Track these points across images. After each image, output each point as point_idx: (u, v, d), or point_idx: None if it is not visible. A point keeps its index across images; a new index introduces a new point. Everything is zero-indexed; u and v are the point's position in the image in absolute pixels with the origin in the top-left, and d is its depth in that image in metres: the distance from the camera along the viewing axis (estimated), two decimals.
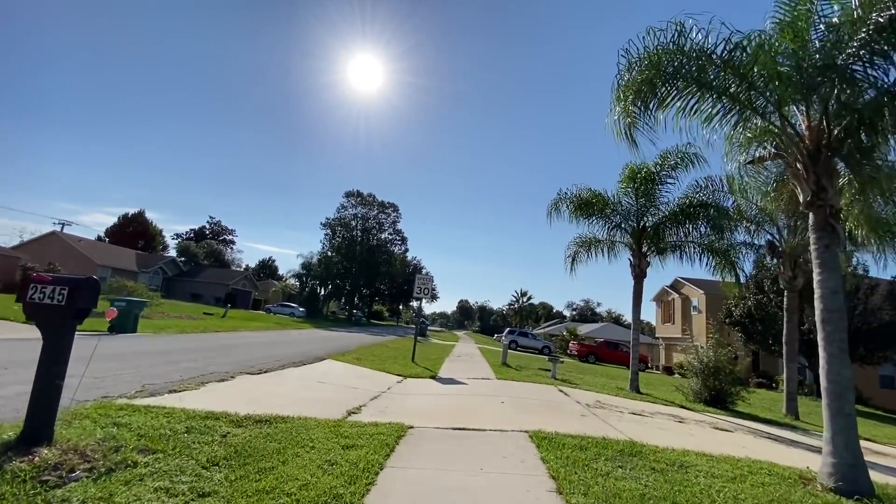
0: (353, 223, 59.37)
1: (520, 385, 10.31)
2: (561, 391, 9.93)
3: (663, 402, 10.69)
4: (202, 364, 8.48)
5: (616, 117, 6.42)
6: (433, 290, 73.79)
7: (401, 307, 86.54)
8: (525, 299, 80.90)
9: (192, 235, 71.70)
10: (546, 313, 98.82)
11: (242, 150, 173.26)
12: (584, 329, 51.92)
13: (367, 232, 59.63)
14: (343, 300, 61.95)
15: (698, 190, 12.25)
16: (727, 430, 7.83)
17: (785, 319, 12.93)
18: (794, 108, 5.75)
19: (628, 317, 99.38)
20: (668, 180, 12.66)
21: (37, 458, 2.93)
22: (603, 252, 14.28)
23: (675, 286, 36.17)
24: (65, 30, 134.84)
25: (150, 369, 7.36)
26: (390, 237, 61.83)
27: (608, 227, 13.48)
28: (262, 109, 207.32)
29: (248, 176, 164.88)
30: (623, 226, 13.29)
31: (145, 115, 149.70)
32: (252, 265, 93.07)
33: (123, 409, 4.49)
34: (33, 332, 4.43)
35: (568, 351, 36.18)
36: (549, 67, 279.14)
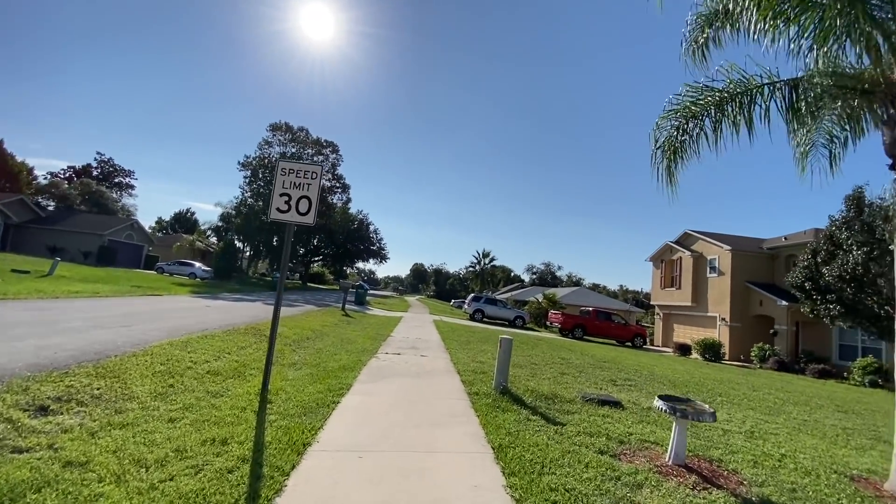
0: None
1: None
2: None
3: None
4: None
5: None
6: (342, 194, 60.53)
7: (346, 269, 76.48)
8: (487, 261, 73.26)
9: (70, 174, 55.45)
10: (505, 277, 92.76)
11: (184, 101, 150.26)
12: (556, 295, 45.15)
13: None
14: (270, 259, 51.06)
15: None
16: None
17: None
18: None
19: (589, 280, 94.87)
20: None
21: None
22: (761, 117, 5.77)
23: (684, 241, 29.07)
24: None
25: None
26: (328, 183, 50.79)
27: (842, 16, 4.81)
28: (210, 58, 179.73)
29: (186, 127, 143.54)
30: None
31: (83, 62, 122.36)
32: (167, 218, 79.11)
33: None
34: None
35: (548, 323, 28.69)
36: (517, 27, 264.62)
